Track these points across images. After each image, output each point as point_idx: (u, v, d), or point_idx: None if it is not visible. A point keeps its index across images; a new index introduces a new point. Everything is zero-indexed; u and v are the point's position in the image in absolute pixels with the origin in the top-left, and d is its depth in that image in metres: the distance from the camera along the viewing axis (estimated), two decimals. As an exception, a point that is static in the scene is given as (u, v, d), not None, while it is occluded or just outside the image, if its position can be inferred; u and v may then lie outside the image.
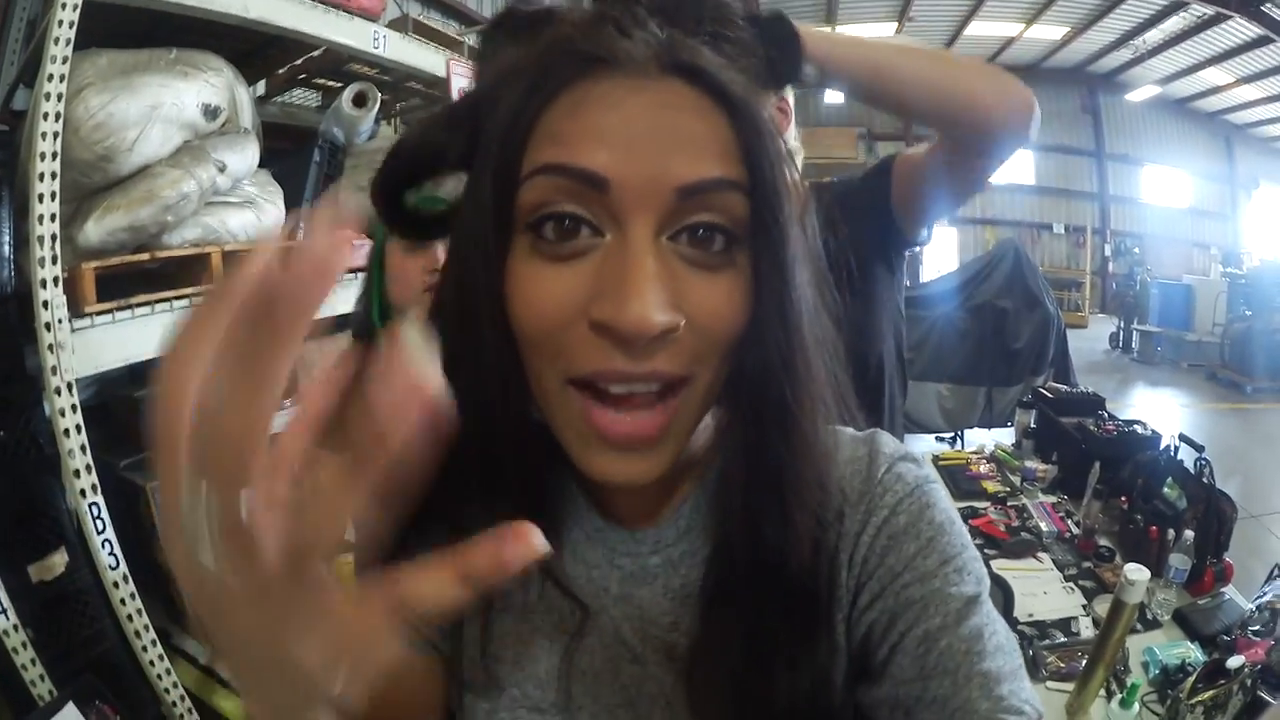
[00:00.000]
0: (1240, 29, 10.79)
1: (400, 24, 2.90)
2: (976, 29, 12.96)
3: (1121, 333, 11.39)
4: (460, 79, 2.92)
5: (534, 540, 0.31)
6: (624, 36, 0.51)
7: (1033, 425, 3.28)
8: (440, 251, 1.30)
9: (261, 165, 2.32)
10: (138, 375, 2.27)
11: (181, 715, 1.88)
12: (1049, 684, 1.69)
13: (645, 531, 0.61)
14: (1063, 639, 1.85)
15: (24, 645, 1.74)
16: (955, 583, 0.53)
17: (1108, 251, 15.66)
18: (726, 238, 0.49)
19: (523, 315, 0.49)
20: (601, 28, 0.51)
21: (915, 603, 0.53)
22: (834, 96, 14.28)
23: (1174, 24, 11.38)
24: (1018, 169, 16.06)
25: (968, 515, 2.65)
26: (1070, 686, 1.62)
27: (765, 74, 0.97)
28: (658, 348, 0.47)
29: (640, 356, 0.47)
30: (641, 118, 0.48)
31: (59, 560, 1.84)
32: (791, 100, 1.42)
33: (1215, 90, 13.84)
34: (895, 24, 12.69)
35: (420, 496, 0.58)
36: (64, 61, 1.67)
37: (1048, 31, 12.93)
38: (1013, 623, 1.94)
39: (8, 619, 1.73)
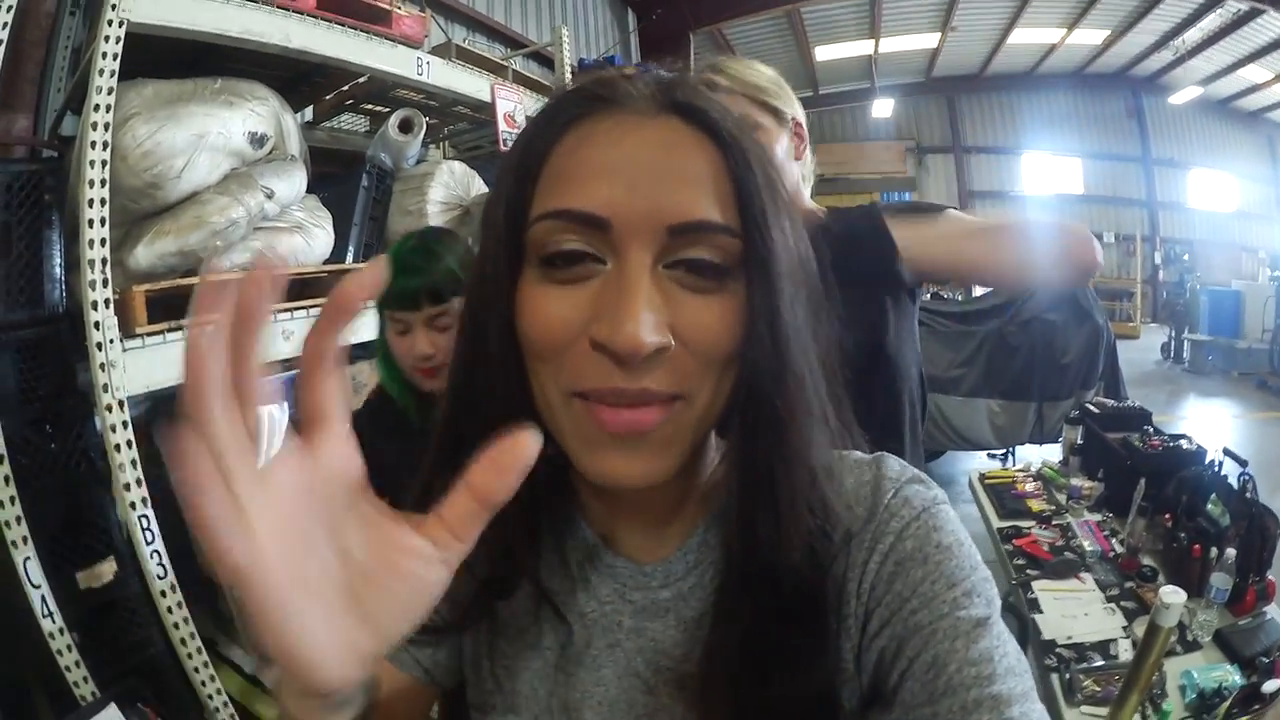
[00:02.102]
0: (1275, 23, 10.62)
1: (444, 50, 2.94)
2: (1019, 36, 12.83)
3: (1173, 342, 11.14)
4: (505, 103, 2.95)
5: (527, 441, 0.41)
6: (627, 82, 0.56)
7: (1079, 441, 3.23)
8: (421, 338, 1.38)
9: (310, 190, 2.38)
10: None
11: (268, 671, 1.92)
12: (1084, 708, 1.67)
13: (655, 565, 0.62)
14: (1100, 662, 1.83)
15: (69, 648, 1.80)
16: (964, 606, 0.53)
17: (1158, 260, 15.38)
18: (719, 267, 0.52)
19: (530, 331, 0.53)
20: (609, 76, 0.57)
21: (923, 628, 0.53)
22: (881, 111, 14.23)
23: (1211, 22, 11.23)
24: (1067, 179, 15.84)
25: (1011, 535, 2.63)
26: (1105, 711, 1.60)
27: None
28: (651, 366, 0.50)
29: (635, 373, 0.50)
30: (640, 156, 0.52)
31: (107, 568, 1.90)
32: (805, 121, 1.43)
33: (1255, 88, 13.63)
34: (938, 34, 12.58)
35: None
36: (109, 92, 1.73)
37: (1089, 36, 12.77)
38: (1047, 644, 1.91)
39: (54, 622, 1.78)
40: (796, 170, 1.42)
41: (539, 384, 0.54)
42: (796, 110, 1.41)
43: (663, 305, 0.50)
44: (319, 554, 0.38)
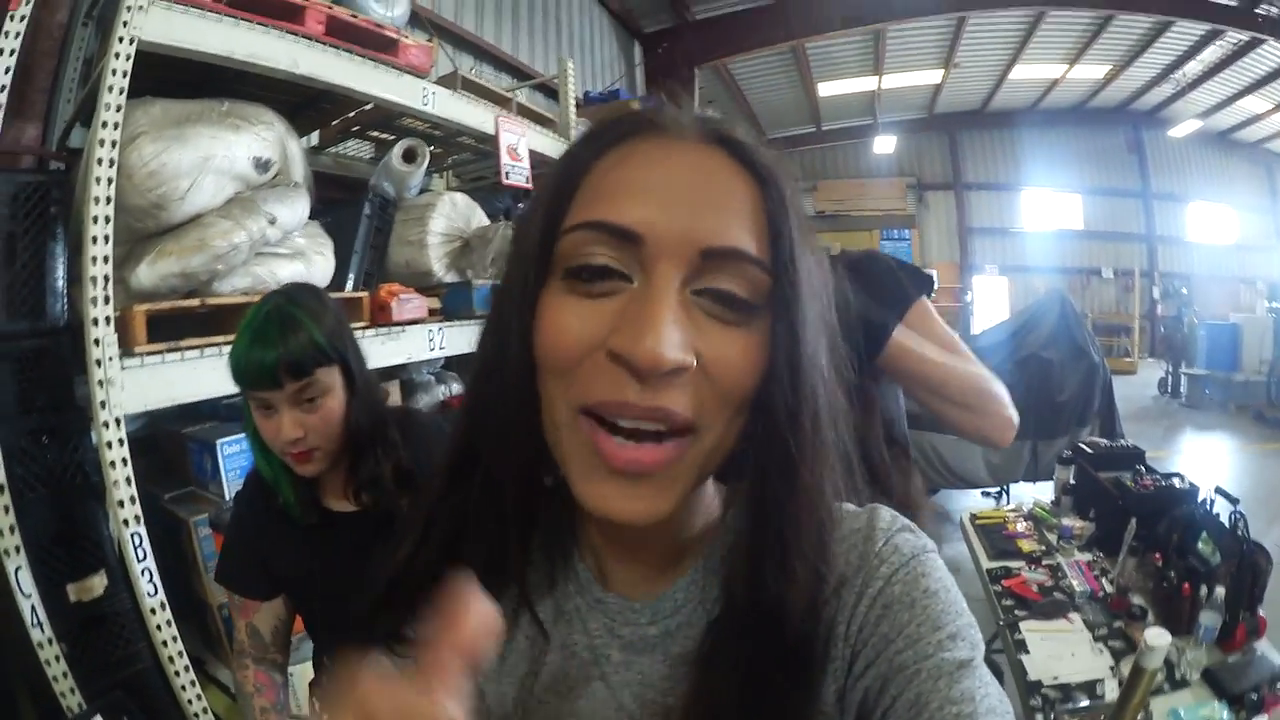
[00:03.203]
0: (1274, 53, 10.72)
1: (450, 80, 2.97)
2: (1021, 72, 12.92)
3: (1170, 377, 11.13)
4: (509, 136, 2.97)
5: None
6: (672, 110, 0.58)
7: (1072, 481, 3.22)
8: (287, 420, 1.29)
9: (314, 215, 2.40)
10: (188, 411, 2.34)
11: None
12: (1068, 749, 1.66)
13: (644, 603, 0.63)
14: (1086, 702, 1.82)
15: (57, 659, 1.80)
16: (948, 648, 0.54)
17: (1156, 294, 15.37)
18: (747, 301, 0.52)
19: (547, 342, 0.53)
20: (654, 106, 0.59)
21: (907, 668, 0.53)
22: (883, 147, 14.31)
23: (1211, 54, 11.31)
24: (1066, 215, 15.89)
25: (1000, 576, 2.62)
26: (1090, 752, 1.59)
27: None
28: (668, 384, 0.50)
29: (650, 391, 0.49)
30: (678, 177, 0.53)
31: (98, 582, 1.90)
32: None
33: (1255, 119, 13.74)
34: (941, 71, 12.67)
35: (430, 560, 0.62)
36: (118, 110, 1.74)
37: (1090, 71, 12.85)
38: (1032, 685, 1.90)
39: (42, 632, 1.78)
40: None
41: (548, 399, 0.54)
42: None
43: (689, 327, 0.50)
44: None
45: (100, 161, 1.72)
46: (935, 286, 1.51)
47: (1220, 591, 1.99)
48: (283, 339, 1.28)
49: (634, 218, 0.51)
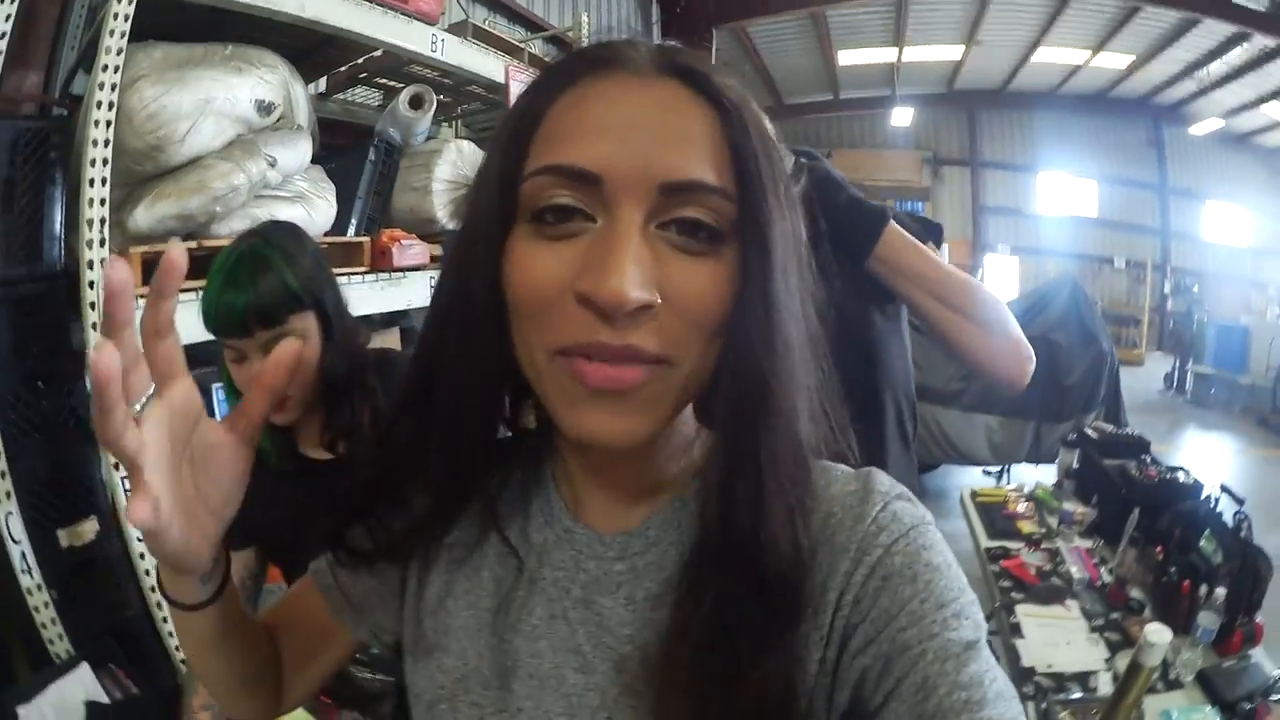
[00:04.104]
0: (1300, 63, 10.50)
1: (460, 28, 2.92)
2: (1043, 55, 12.74)
3: (1176, 373, 11.11)
4: (519, 85, 2.92)
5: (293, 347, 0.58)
6: (628, 45, 0.56)
7: (1075, 465, 3.21)
8: (259, 369, 1.31)
9: (319, 161, 2.37)
10: (186, 356, 2.33)
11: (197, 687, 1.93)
12: (1059, 741, 1.64)
13: (614, 537, 0.62)
14: (1079, 694, 1.81)
15: (45, 605, 1.81)
16: (954, 628, 0.52)
17: (1167, 289, 15.29)
18: (712, 231, 0.52)
19: (518, 286, 0.53)
20: (610, 40, 0.57)
21: (912, 648, 0.51)
22: (900, 119, 14.13)
23: (1236, 56, 11.09)
24: (1081, 201, 15.76)
25: (998, 556, 2.61)
26: (1081, 745, 1.57)
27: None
28: (636, 323, 0.50)
29: (620, 329, 0.49)
30: (635, 114, 0.52)
31: (89, 528, 1.90)
32: None
33: (1277, 125, 13.48)
34: (962, 46, 12.50)
35: (396, 486, 0.65)
36: (119, 53, 1.71)
37: (1113, 60, 12.66)
38: (1025, 671, 1.89)
39: (32, 578, 1.79)
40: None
41: (524, 343, 0.54)
42: None
43: (652, 263, 0.50)
44: (178, 469, 0.53)
45: (100, 105, 1.69)
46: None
47: (1220, 592, 1.97)
48: (253, 282, 1.22)
49: (592, 159, 0.51)
